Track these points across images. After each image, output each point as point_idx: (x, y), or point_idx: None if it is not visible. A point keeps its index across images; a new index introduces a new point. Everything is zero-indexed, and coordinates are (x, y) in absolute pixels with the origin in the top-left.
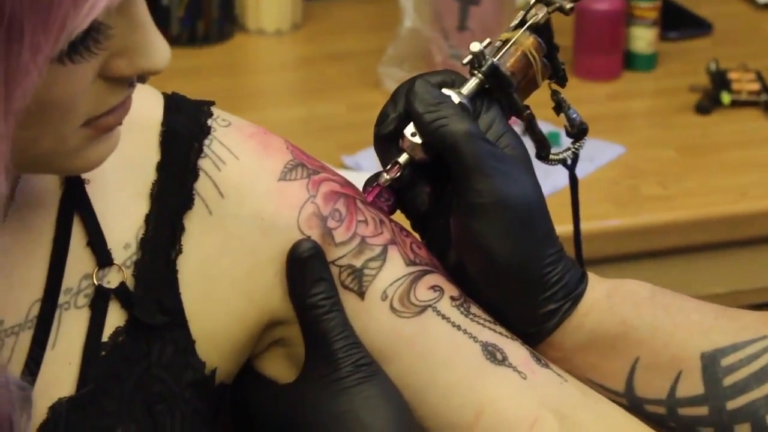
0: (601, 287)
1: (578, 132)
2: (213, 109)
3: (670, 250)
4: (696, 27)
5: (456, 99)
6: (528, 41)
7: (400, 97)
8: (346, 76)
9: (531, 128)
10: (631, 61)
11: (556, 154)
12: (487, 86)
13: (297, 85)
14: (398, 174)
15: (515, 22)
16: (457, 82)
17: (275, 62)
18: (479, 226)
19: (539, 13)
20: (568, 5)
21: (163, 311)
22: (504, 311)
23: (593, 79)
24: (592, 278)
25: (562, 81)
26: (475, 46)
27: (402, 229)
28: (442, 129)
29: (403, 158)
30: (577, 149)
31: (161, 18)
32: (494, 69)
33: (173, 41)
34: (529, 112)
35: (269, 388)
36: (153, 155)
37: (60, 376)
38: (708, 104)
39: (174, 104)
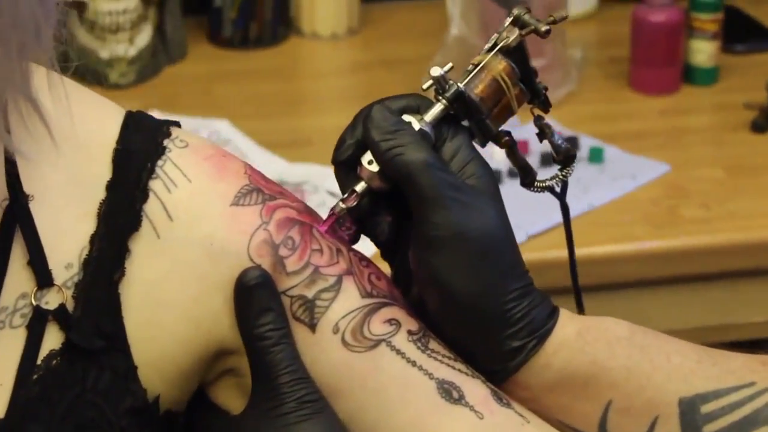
0: (573, 325)
1: (565, 159)
2: (174, 129)
3: (709, 275)
4: (764, 40)
5: (416, 126)
6: (499, 66)
7: (359, 122)
8: (399, 82)
9: (512, 155)
10: (690, 75)
11: (542, 182)
12: (452, 112)
13: (350, 91)
14: (355, 203)
15: (488, 45)
16: (422, 108)
17: (329, 67)
18: (435, 260)
19: (510, 36)
20: (543, 27)
21: (101, 335)
22: (466, 348)
23: (649, 93)
24: (564, 315)
25: (544, 106)
26: (436, 71)
27: (363, 259)
28: (398, 158)
29: (360, 186)
30: (564, 176)
31: (214, 20)
32: (459, 94)
33: (225, 43)
34: (507, 138)
35: (219, 418)
36: (104, 173)
37: None
38: (764, 122)
39: (133, 122)
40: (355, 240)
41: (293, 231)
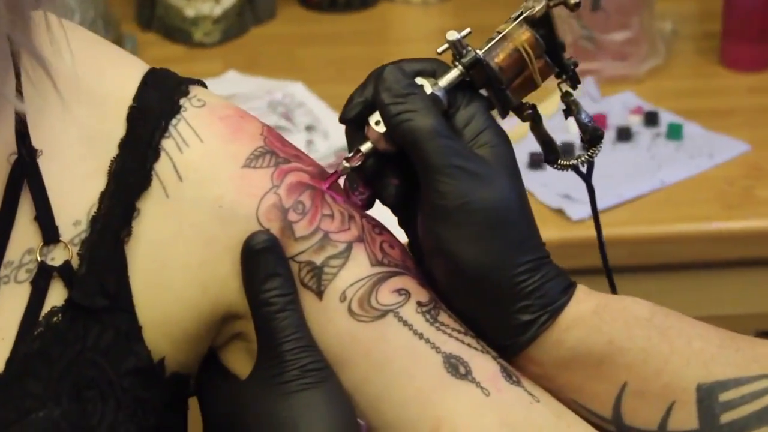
0: (589, 302)
1: (592, 138)
2: (193, 88)
3: None
4: None
5: (428, 89)
6: (522, 36)
7: (370, 81)
8: None
9: (535, 129)
10: None
11: (567, 160)
12: (468, 79)
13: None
14: (359, 163)
15: (515, 14)
16: (438, 72)
17: (417, 33)
18: (442, 230)
19: (536, 6)
20: (573, 0)
21: (105, 294)
22: (476, 321)
23: (739, 70)
24: (581, 291)
25: (573, 82)
26: (452, 35)
27: (376, 226)
28: (405, 124)
29: (365, 147)
30: (591, 156)
31: None
32: (476, 61)
33: (314, 6)
34: (530, 111)
35: (226, 382)
36: (118, 131)
37: None
38: None
39: (152, 80)
40: (369, 205)
41: (304, 195)
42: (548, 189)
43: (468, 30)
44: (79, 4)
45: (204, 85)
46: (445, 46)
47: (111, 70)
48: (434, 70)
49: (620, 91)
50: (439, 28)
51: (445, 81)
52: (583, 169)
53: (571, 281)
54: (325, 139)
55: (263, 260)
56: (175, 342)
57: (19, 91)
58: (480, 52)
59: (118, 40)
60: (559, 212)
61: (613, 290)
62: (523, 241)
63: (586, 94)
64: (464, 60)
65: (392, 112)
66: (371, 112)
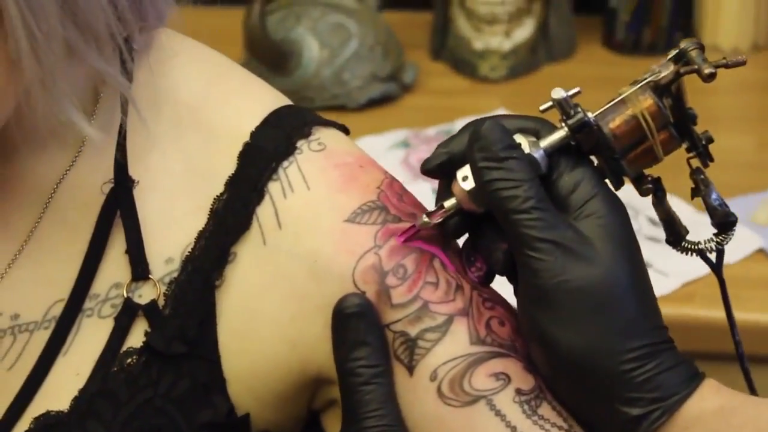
0: (715, 400)
1: (720, 225)
2: (318, 130)
3: None
4: None
5: (526, 148)
6: (644, 102)
7: (463, 133)
8: None
9: (658, 205)
10: None
11: (694, 243)
12: (573, 143)
13: (744, 111)
14: (440, 219)
15: (642, 78)
16: (542, 133)
17: (724, 83)
18: (536, 311)
19: (662, 72)
20: (707, 70)
21: (185, 340)
22: (581, 415)
23: None
24: (709, 386)
25: (703, 158)
26: (557, 93)
27: (490, 300)
28: (497, 192)
29: (449, 203)
30: (720, 243)
31: (608, 20)
32: (584, 124)
33: (617, 47)
34: (650, 185)
35: None
36: (228, 168)
37: (63, 386)
38: None
39: (276, 118)
40: (487, 280)
41: (408, 258)
42: None
43: (577, 89)
44: (358, 29)
45: (343, 129)
46: (549, 104)
47: (236, 103)
48: (537, 129)
49: None
50: (748, 78)
51: (546, 142)
52: (712, 257)
53: (696, 372)
54: None
55: (353, 326)
56: (260, 399)
57: (124, 114)
58: (591, 115)
59: (398, 68)
60: None
61: (751, 389)
62: (632, 324)
63: None
64: (570, 121)
65: (485, 177)
66: (459, 165)
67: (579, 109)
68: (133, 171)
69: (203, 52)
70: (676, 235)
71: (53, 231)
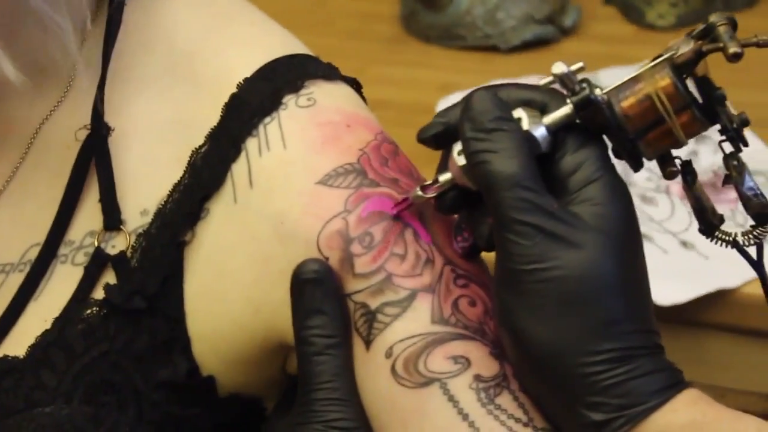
0: (688, 413)
1: (756, 216)
2: (313, 84)
3: None
4: None
5: (525, 124)
6: (660, 81)
7: (460, 103)
8: None
9: (687, 190)
10: None
11: (728, 234)
12: (577, 122)
13: None
14: (434, 194)
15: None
16: (550, 107)
17: None
18: (507, 297)
19: (681, 48)
20: (732, 49)
21: (144, 296)
22: (544, 408)
23: None
24: (685, 398)
25: (735, 143)
26: (558, 68)
27: (465, 276)
28: (482, 166)
29: (443, 177)
30: (759, 235)
31: None
32: (589, 102)
33: None
34: (676, 168)
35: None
36: (212, 120)
37: (29, 331)
38: None
39: (271, 68)
40: (470, 254)
41: (377, 227)
42: None
43: (580, 64)
44: None
45: (354, 84)
46: (550, 78)
47: (231, 51)
48: (545, 103)
49: None
50: None
51: (549, 119)
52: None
53: (677, 381)
54: (714, 154)
55: (309, 293)
56: (226, 361)
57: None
58: (599, 93)
59: (559, 10)
60: None
61: None
62: (609, 324)
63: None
64: (575, 98)
65: (471, 149)
66: (456, 136)
67: (585, 85)
68: (116, 116)
69: None
70: (707, 224)
71: (34, 174)
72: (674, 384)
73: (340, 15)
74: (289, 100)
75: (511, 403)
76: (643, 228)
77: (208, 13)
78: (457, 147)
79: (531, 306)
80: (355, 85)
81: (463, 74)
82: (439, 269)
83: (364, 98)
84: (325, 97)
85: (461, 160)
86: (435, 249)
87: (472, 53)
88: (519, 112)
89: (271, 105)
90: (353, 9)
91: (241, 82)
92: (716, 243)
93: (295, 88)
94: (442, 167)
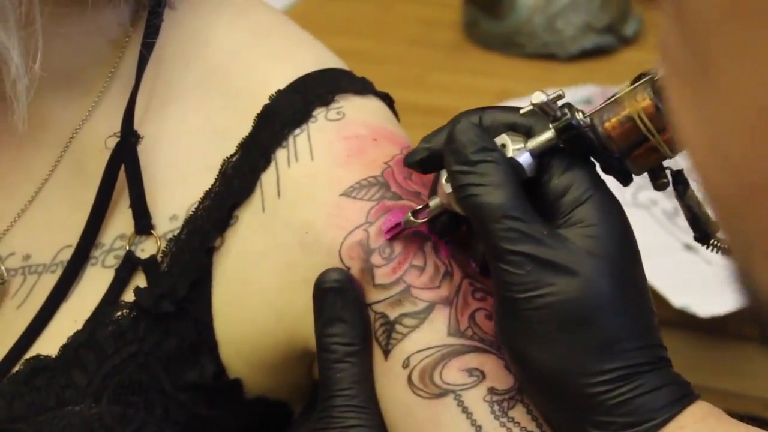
0: (695, 428)
1: (701, 237)
2: (343, 98)
3: None
4: None
5: (509, 151)
6: (641, 103)
7: (445, 129)
8: None
9: (680, 199)
10: None
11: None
12: (561, 146)
13: None
14: (425, 219)
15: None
16: (535, 130)
17: None
18: (506, 322)
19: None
20: None
21: (173, 300)
22: (553, 426)
23: None
24: (693, 413)
25: None
26: (537, 98)
27: (482, 291)
28: (470, 199)
29: (433, 203)
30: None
31: None
32: (570, 127)
33: None
34: (664, 180)
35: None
36: (244, 130)
37: (62, 331)
38: None
39: (304, 82)
40: (486, 270)
41: (397, 239)
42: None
43: (559, 92)
44: None
45: (386, 99)
46: (529, 107)
47: (266, 65)
48: (529, 126)
49: None
50: None
51: (533, 143)
52: None
53: (686, 394)
54: None
55: (330, 301)
56: (251, 365)
57: (140, 69)
58: (581, 117)
59: (619, 19)
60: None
61: None
62: (610, 344)
63: None
64: (557, 124)
65: (457, 182)
66: (441, 162)
67: (566, 111)
68: (149, 124)
69: (251, 6)
70: (702, 232)
71: (69, 176)
72: (682, 397)
73: (405, 22)
74: (320, 113)
75: (525, 416)
76: (689, 239)
77: (244, 26)
78: (445, 174)
79: (531, 332)
80: (387, 99)
81: (522, 82)
82: (458, 282)
83: (395, 112)
84: (354, 111)
85: (449, 188)
86: (454, 262)
87: (531, 61)
88: (503, 138)
89: (302, 117)
90: (417, 15)
91: (274, 94)
92: (712, 250)
93: (326, 101)
94: (434, 191)
